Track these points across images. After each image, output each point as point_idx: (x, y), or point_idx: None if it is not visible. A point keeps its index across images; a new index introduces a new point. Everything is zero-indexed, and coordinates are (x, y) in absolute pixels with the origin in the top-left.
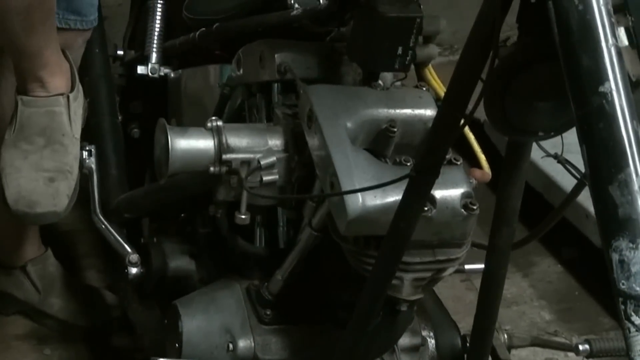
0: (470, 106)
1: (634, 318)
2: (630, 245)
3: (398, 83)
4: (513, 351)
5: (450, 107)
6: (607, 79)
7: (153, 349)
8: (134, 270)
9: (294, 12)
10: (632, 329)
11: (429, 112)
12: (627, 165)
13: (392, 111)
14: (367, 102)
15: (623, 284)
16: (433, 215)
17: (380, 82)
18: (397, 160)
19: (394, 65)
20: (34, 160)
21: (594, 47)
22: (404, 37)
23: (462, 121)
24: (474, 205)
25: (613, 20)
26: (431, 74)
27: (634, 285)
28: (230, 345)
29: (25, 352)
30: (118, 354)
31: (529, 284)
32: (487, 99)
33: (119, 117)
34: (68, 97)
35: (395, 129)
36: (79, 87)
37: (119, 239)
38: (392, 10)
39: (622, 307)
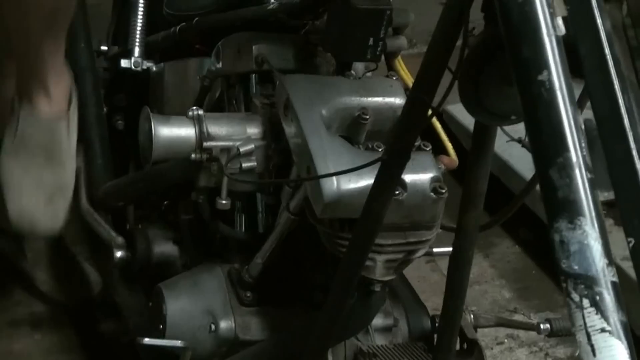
0: (439, 94)
1: (574, 295)
2: (569, 225)
3: (369, 73)
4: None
5: (420, 92)
6: (546, 68)
7: (138, 332)
8: (119, 253)
9: (270, 6)
10: (573, 306)
11: (399, 101)
12: (566, 149)
13: (364, 99)
14: (341, 91)
15: (564, 263)
16: (404, 199)
17: (352, 72)
18: (370, 146)
19: (365, 56)
20: (34, 176)
21: (532, 38)
22: (375, 29)
23: (434, 108)
24: (442, 189)
25: (552, 10)
26: (400, 64)
27: (572, 264)
28: (212, 326)
29: (17, 338)
30: (105, 338)
31: (490, 264)
32: (461, 85)
33: (104, 109)
34: (68, 113)
35: (368, 117)
36: (75, 95)
37: (105, 226)
38: (363, 3)
39: (564, 285)
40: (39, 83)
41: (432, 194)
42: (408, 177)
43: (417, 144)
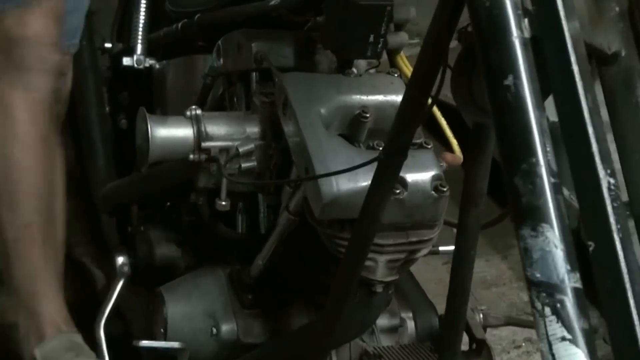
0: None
1: (537, 303)
2: (532, 233)
3: (371, 70)
4: (494, 331)
5: (415, 91)
6: (511, 72)
7: (141, 335)
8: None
9: (272, 2)
10: (536, 314)
11: (400, 98)
12: (530, 155)
13: (364, 97)
14: (341, 89)
15: (527, 272)
16: (405, 198)
17: (354, 69)
18: (370, 144)
19: (366, 53)
20: None
21: (499, 42)
22: (376, 25)
23: (429, 104)
24: (444, 187)
25: (519, 12)
26: (403, 60)
27: (535, 272)
28: (214, 330)
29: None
30: (110, 338)
31: (508, 266)
32: (455, 83)
33: (107, 108)
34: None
35: (368, 115)
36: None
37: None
38: None
39: (529, 293)
40: (51, 322)
41: (433, 192)
42: (409, 176)
43: (418, 141)
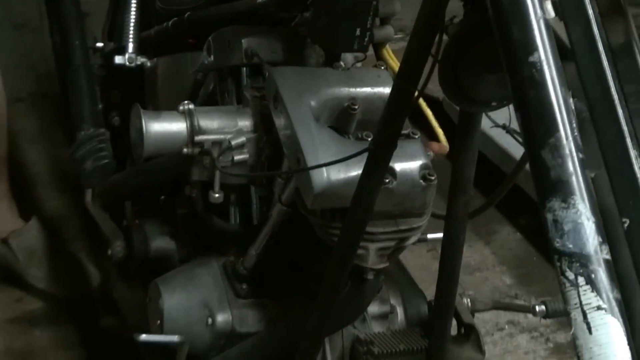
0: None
1: (568, 273)
2: (563, 205)
3: (358, 64)
4: (477, 314)
5: (404, 82)
6: (536, 49)
7: (137, 327)
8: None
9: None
10: (567, 284)
11: (387, 90)
12: (557, 129)
13: (352, 90)
14: (330, 82)
15: (557, 242)
16: (394, 187)
17: (341, 62)
18: (359, 135)
19: (353, 46)
20: None
21: (523, 20)
22: (362, 19)
23: (416, 94)
24: (432, 176)
25: None
26: (389, 53)
27: (567, 242)
28: (209, 320)
29: (16, 334)
30: (105, 334)
31: (491, 251)
32: (441, 73)
33: (100, 106)
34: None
35: (357, 107)
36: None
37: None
38: None
39: (558, 264)
40: None
41: (421, 181)
42: (397, 165)
43: (405, 132)
